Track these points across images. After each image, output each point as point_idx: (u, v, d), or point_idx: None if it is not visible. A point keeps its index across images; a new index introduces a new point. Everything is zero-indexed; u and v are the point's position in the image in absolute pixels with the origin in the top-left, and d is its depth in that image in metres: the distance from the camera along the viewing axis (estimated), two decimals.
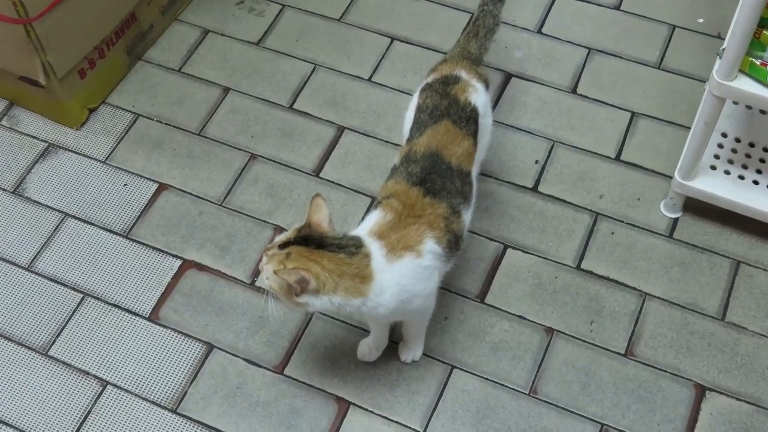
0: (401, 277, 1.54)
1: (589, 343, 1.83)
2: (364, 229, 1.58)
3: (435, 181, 1.62)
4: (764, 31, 1.63)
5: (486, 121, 1.78)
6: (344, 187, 2.04)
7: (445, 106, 1.71)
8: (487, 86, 1.81)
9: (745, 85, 1.66)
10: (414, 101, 1.78)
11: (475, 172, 1.73)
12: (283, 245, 1.53)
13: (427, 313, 1.71)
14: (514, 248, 1.95)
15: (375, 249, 1.54)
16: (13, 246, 1.97)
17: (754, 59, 1.64)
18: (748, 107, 2.02)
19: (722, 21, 2.30)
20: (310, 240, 1.52)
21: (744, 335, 1.83)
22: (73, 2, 1.96)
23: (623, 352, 1.81)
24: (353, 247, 1.53)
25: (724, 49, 1.65)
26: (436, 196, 1.61)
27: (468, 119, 1.71)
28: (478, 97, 1.76)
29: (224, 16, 2.36)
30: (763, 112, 2.04)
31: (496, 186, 2.03)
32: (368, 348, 1.79)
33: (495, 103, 2.17)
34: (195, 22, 2.35)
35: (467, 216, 1.69)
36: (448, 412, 1.75)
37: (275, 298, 1.54)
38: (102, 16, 2.08)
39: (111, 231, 1.99)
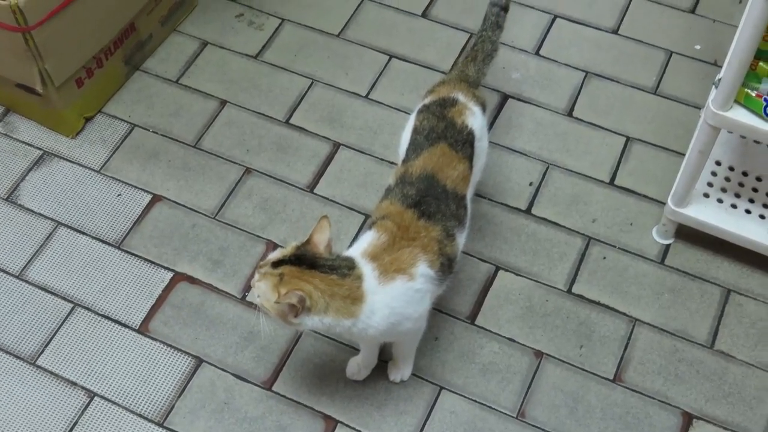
0: (392, 299, 1.54)
1: (578, 367, 1.83)
2: (358, 250, 1.59)
3: (430, 204, 1.62)
4: (760, 63, 1.64)
5: (482, 143, 1.79)
6: (338, 203, 2.05)
7: (441, 128, 1.72)
8: (484, 109, 1.82)
9: (740, 115, 1.67)
10: (411, 122, 1.78)
11: (470, 194, 1.73)
12: (277, 264, 1.53)
13: (418, 335, 1.71)
14: (505, 270, 1.95)
15: (367, 271, 1.54)
16: (4, 253, 1.97)
17: (749, 90, 1.65)
18: (743, 137, 2.03)
19: (719, 48, 2.31)
20: (303, 260, 1.52)
21: (732, 364, 1.83)
22: (72, 11, 1.96)
23: (612, 377, 1.82)
24: (345, 268, 1.53)
25: (720, 79, 1.66)
26: (430, 219, 1.61)
27: (464, 142, 1.72)
28: (475, 120, 1.76)
29: (223, 28, 2.37)
30: (757, 142, 2.05)
31: (489, 207, 2.04)
32: (357, 366, 1.79)
33: (491, 124, 2.18)
34: (194, 33, 2.36)
35: (461, 239, 1.69)
36: None
37: (266, 314, 1.55)
38: (101, 26, 2.08)
39: (103, 241, 1.99)
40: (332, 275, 1.51)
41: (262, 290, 1.51)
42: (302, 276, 1.50)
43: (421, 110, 1.79)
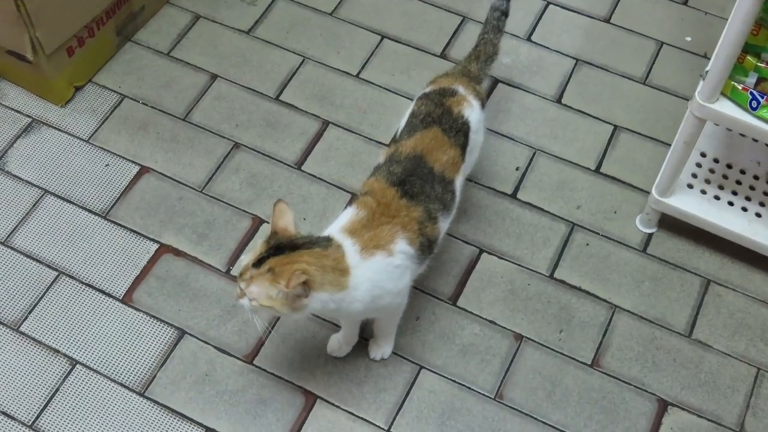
0: (373, 273, 1.56)
1: (557, 351, 1.85)
2: (336, 227, 1.60)
3: (414, 184, 1.64)
4: (748, 57, 1.66)
5: (477, 137, 1.81)
6: (325, 181, 2.05)
7: (438, 114, 1.74)
8: (483, 105, 1.84)
9: (726, 108, 1.68)
10: (409, 109, 1.80)
11: (459, 182, 1.74)
12: (257, 263, 1.50)
13: (399, 311, 1.73)
14: (489, 253, 1.97)
15: (347, 245, 1.55)
16: None
17: (736, 83, 1.66)
18: (729, 129, 2.05)
19: (710, 41, 2.32)
20: (282, 247, 1.51)
21: (709, 353, 1.86)
22: None
23: (590, 362, 1.84)
24: (324, 242, 1.54)
25: (707, 72, 1.68)
26: (413, 199, 1.62)
27: (458, 130, 1.73)
28: (472, 112, 1.78)
29: (216, 2, 2.36)
30: (742, 135, 2.07)
31: (475, 190, 2.05)
32: (338, 343, 1.80)
33: None
34: (187, 6, 2.35)
35: (445, 223, 1.70)
36: (414, 412, 1.77)
37: (260, 314, 1.55)
38: None
39: (90, 210, 1.99)
40: (316, 248, 1.52)
41: (257, 293, 1.48)
42: (291, 259, 1.49)
43: (420, 97, 1.81)
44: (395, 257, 1.58)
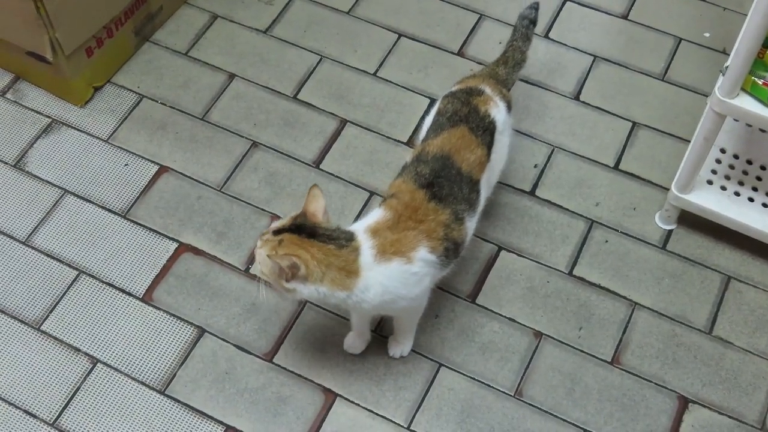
0: (386, 279, 1.56)
1: (577, 349, 1.84)
2: (363, 225, 1.60)
3: (443, 186, 1.63)
4: None
5: (503, 138, 1.80)
6: (343, 180, 2.06)
7: (464, 112, 1.73)
8: (509, 107, 1.83)
9: (746, 103, 1.67)
10: (435, 107, 1.80)
11: (485, 182, 1.73)
12: (278, 232, 1.55)
13: (418, 312, 1.73)
14: (508, 250, 1.97)
15: (366, 246, 1.55)
16: (11, 219, 1.98)
17: (756, 78, 1.65)
18: (748, 125, 2.04)
19: (728, 36, 2.31)
20: (303, 228, 1.54)
21: (730, 350, 1.85)
22: None
23: (610, 359, 1.83)
24: (344, 240, 1.55)
25: (727, 67, 1.67)
26: (441, 202, 1.62)
27: (485, 129, 1.73)
28: (499, 112, 1.77)
29: (233, 2, 2.37)
30: (762, 130, 2.06)
31: (494, 188, 2.04)
32: (352, 338, 1.81)
33: None
34: (204, 6, 2.36)
35: (471, 224, 1.69)
36: (433, 409, 1.77)
37: (267, 285, 1.57)
38: None
39: (109, 210, 2.01)
40: (330, 245, 1.53)
41: (261, 257, 1.53)
42: (301, 244, 1.52)
43: (446, 96, 1.80)
44: (414, 264, 1.57)
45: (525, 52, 1.94)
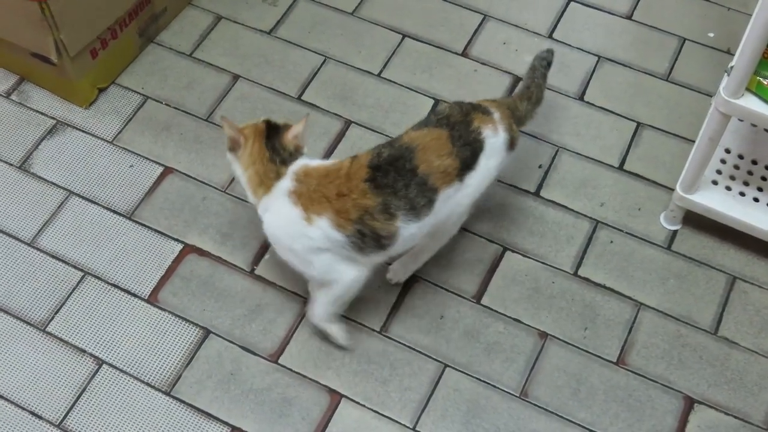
0: (279, 217, 1.66)
1: (582, 349, 1.84)
2: (308, 162, 1.69)
3: (388, 174, 1.62)
4: None
5: (488, 163, 1.71)
6: None
7: (455, 120, 1.70)
8: (511, 143, 1.77)
9: (752, 103, 1.67)
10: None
11: (447, 198, 1.66)
12: (264, 122, 1.73)
13: (330, 292, 1.72)
14: (513, 251, 1.97)
15: (290, 178, 1.65)
16: (16, 221, 1.98)
17: (761, 79, 1.65)
18: (753, 125, 2.04)
19: (732, 36, 2.31)
20: (270, 130, 1.70)
21: (735, 350, 1.85)
22: None
23: (615, 360, 1.83)
24: (281, 160, 1.68)
25: (732, 67, 1.67)
26: (376, 189, 1.61)
27: (467, 144, 1.69)
28: (494, 138, 1.72)
29: (237, 3, 2.37)
30: (767, 130, 2.05)
31: (498, 189, 2.05)
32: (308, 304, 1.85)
33: None
34: (208, 7, 2.36)
35: (407, 227, 1.64)
36: (439, 410, 1.77)
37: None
38: None
39: (114, 211, 2.01)
40: (270, 153, 1.67)
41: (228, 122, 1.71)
42: (255, 136, 1.69)
43: (453, 102, 1.77)
44: (311, 227, 1.61)
45: (543, 90, 1.93)
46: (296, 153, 1.70)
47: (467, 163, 1.69)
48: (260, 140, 1.69)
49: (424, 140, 1.67)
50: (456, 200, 1.70)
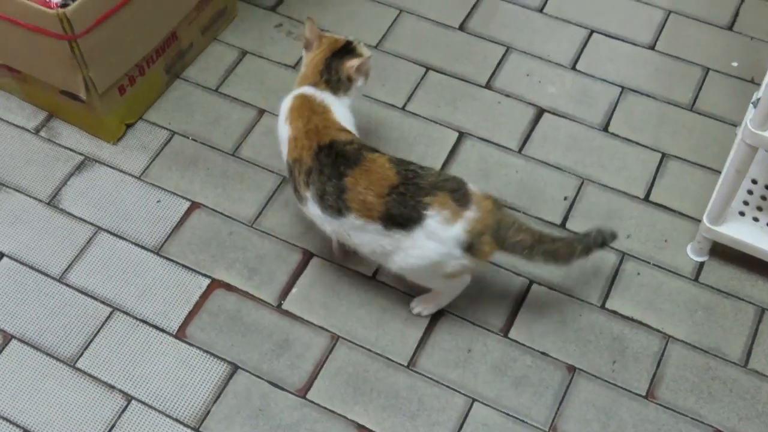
0: (282, 106, 1.87)
1: (611, 383, 1.83)
2: (316, 95, 1.84)
3: (327, 157, 1.73)
4: None
5: (427, 243, 1.66)
6: None
7: (425, 182, 1.67)
8: (468, 248, 1.67)
9: None
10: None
11: (362, 226, 1.70)
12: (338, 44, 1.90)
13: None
14: (539, 284, 1.96)
15: (309, 89, 1.86)
16: (45, 257, 2.00)
17: None
18: None
19: (757, 65, 2.31)
20: (346, 50, 1.88)
21: (766, 383, 1.83)
22: (117, 20, 2.00)
23: (644, 394, 1.82)
24: (328, 81, 1.85)
25: (759, 99, 1.67)
26: (314, 156, 1.75)
27: (403, 205, 1.65)
28: (441, 225, 1.65)
29: (262, 38, 2.40)
30: None
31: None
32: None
33: (526, 138, 2.19)
34: (233, 42, 2.39)
35: (314, 209, 1.77)
36: None
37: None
38: (144, 35, 2.12)
39: (142, 247, 2.02)
40: (323, 67, 1.86)
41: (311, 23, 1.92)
42: (327, 46, 1.89)
43: (460, 177, 1.72)
44: (287, 126, 1.83)
45: (570, 260, 1.76)
46: (346, 81, 1.85)
47: (396, 219, 1.66)
48: (325, 53, 1.86)
49: (375, 165, 1.70)
50: (384, 245, 1.70)
